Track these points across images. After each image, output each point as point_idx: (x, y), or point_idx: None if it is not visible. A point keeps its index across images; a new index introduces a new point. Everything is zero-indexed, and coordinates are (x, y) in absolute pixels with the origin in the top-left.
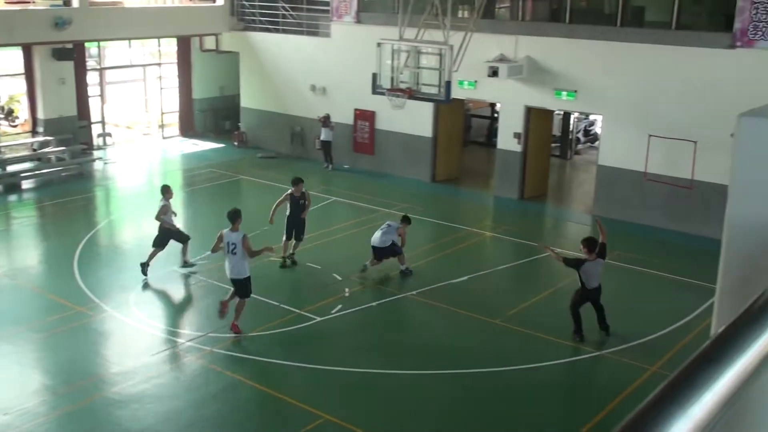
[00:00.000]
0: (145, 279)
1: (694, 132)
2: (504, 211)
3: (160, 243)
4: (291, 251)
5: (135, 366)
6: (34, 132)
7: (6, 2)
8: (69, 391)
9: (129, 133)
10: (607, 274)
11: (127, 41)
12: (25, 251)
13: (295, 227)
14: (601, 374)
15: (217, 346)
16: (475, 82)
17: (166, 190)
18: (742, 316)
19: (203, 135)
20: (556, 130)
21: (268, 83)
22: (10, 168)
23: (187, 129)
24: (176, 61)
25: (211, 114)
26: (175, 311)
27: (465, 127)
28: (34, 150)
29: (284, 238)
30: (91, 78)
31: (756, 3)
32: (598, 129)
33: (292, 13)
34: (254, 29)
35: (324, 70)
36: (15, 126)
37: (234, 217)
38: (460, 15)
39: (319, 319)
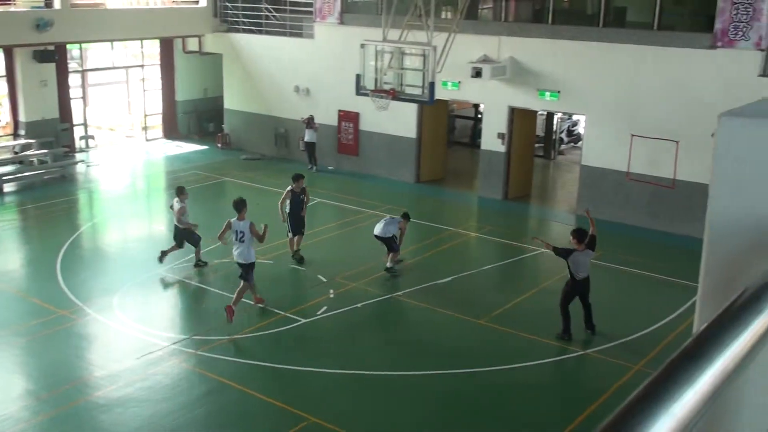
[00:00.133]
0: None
1: (676, 132)
2: (488, 212)
3: (179, 243)
4: (296, 247)
5: (119, 369)
6: (15, 135)
7: None
8: (52, 396)
9: (112, 136)
10: (591, 274)
11: (109, 43)
12: (7, 255)
13: (297, 222)
14: (586, 373)
15: (202, 348)
16: (459, 82)
17: (182, 191)
18: (722, 314)
19: (187, 137)
20: (540, 131)
21: (252, 85)
22: None
23: (171, 131)
24: (159, 62)
25: (195, 116)
26: (159, 314)
27: (449, 128)
28: (16, 153)
29: (290, 235)
30: (73, 80)
31: (736, 3)
32: (581, 129)
33: (275, 14)
34: (237, 30)
35: (308, 72)
36: None
37: (240, 206)
38: (443, 16)
39: (304, 320)
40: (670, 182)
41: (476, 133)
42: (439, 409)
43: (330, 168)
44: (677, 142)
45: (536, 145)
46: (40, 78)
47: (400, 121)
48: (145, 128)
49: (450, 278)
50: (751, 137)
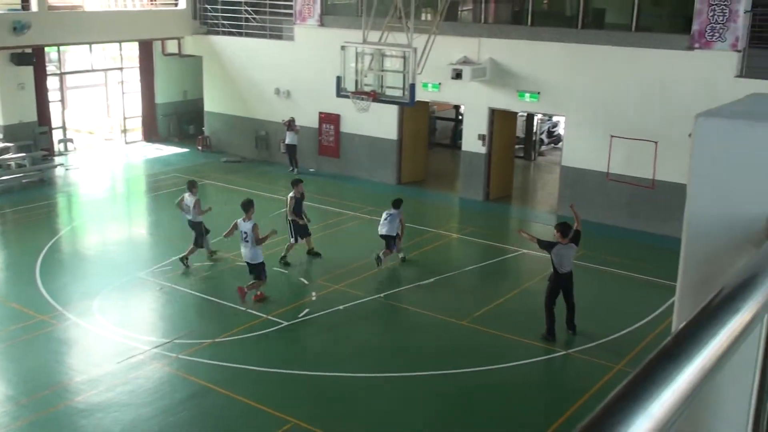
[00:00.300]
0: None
1: (654, 132)
2: (469, 213)
3: (200, 239)
4: (310, 246)
5: (99, 374)
6: None
7: None
8: (32, 401)
9: (91, 139)
10: (574, 276)
11: (87, 45)
12: None
13: (302, 227)
14: (568, 373)
15: (184, 352)
16: (439, 84)
17: (193, 185)
18: (700, 313)
19: (167, 140)
20: (520, 132)
21: (232, 87)
22: None
23: (151, 134)
24: (138, 65)
25: (175, 118)
26: (140, 318)
27: (430, 130)
28: None
29: (292, 240)
30: (52, 83)
31: (713, 5)
32: (561, 130)
33: (255, 16)
34: (217, 33)
35: (288, 74)
36: None
37: (247, 207)
38: (423, 18)
39: (286, 323)
40: (649, 182)
41: (457, 134)
42: (422, 410)
43: (311, 170)
44: (656, 142)
45: (517, 146)
46: (17, 81)
47: (381, 122)
48: (124, 131)
49: (432, 279)
50: (727, 137)
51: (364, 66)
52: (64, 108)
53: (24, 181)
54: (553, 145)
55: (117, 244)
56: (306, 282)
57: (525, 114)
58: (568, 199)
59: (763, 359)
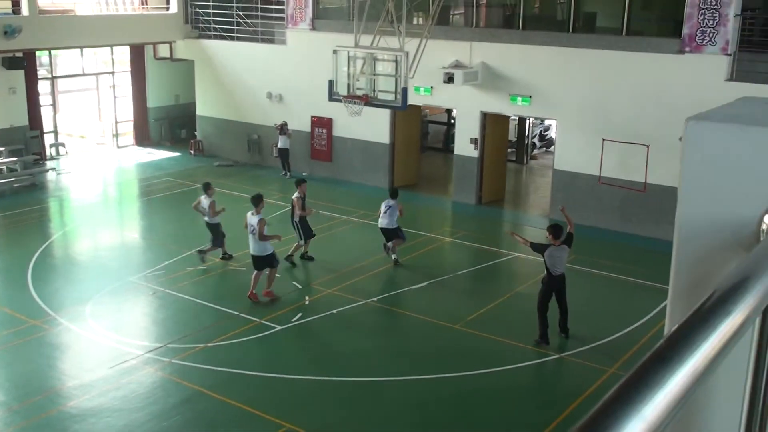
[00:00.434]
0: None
1: (646, 136)
2: (462, 216)
3: (218, 238)
4: (305, 250)
5: (92, 379)
6: None
7: None
8: (24, 407)
9: (82, 143)
10: (567, 278)
11: (79, 49)
12: None
13: (308, 227)
14: (561, 376)
15: (177, 357)
16: (431, 88)
17: (208, 187)
18: (691, 317)
19: (159, 144)
20: (512, 136)
21: (224, 91)
22: None
23: (142, 138)
24: (130, 69)
25: (167, 122)
26: (133, 322)
27: (422, 133)
28: None
29: (301, 242)
30: (43, 87)
31: (703, 9)
32: (553, 134)
33: (246, 20)
34: (209, 37)
35: (280, 78)
36: None
37: (257, 201)
38: (415, 22)
39: (279, 327)
40: (641, 186)
41: (449, 138)
42: (415, 414)
43: (303, 174)
44: (647, 146)
45: (509, 149)
46: (8, 85)
47: (374, 126)
48: (116, 135)
49: (425, 283)
50: (717, 141)
51: (356, 70)
52: (55, 112)
53: (15, 185)
54: (545, 148)
55: (109, 249)
56: (299, 286)
57: (517, 118)
58: (560, 202)
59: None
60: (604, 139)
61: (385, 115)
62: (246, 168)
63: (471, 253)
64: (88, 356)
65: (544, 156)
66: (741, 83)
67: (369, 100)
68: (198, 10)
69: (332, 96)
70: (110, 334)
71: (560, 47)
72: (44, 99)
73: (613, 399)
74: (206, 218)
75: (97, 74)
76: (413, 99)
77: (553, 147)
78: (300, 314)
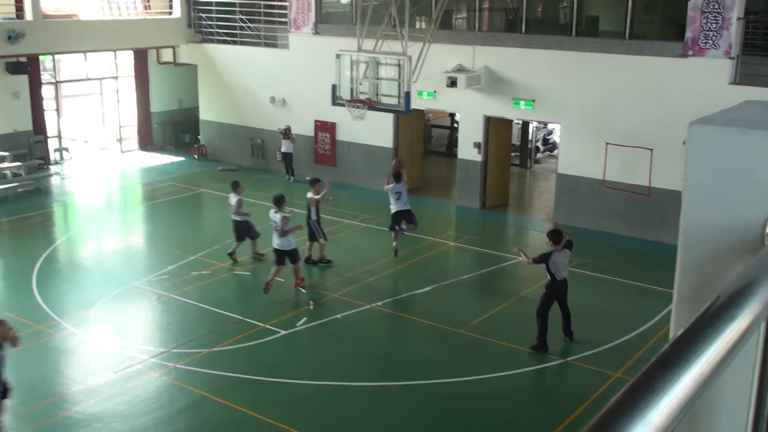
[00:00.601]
0: (233, 264)
1: (650, 139)
2: (466, 221)
3: (239, 237)
4: (309, 254)
5: (97, 384)
6: None
7: None
8: (29, 412)
9: (86, 148)
10: (569, 282)
11: (82, 54)
12: None
13: (322, 229)
14: (565, 382)
15: (181, 361)
16: (434, 92)
17: (237, 185)
18: (696, 321)
19: (162, 148)
20: (516, 140)
21: (228, 95)
22: None
23: (146, 142)
24: (133, 74)
25: (170, 127)
26: (138, 327)
27: (425, 137)
28: None
29: (322, 240)
30: (47, 92)
31: (705, 12)
32: (556, 138)
33: (249, 24)
34: (212, 41)
35: (283, 82)
36: None
37: (279, 201)
38: (417, 26)
39: (283, 332)
40: (645, 190)
41: (452, 142)
42: (421, 419)
43: (307, 178)
44: (651, 149)
45: (512, 153)
46: (12, 90)
47: (377, 130)
48: (119, 140)
49: (429, 288)
50: (721, 145)
51: (360, 74)
52: (59, 117)
53: (20, 190)
54: (548, 152)
55: (114, 254)
56: (303, 291)
57: (520, 122)
58: (564, 206)
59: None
60: (607, 143)
61: (388, 119)
62: (250, 172)
63: (475, 258)
64: (93, 361)
65: (548, 160)
66: (744, 87)
67: (372, 105)
68: (201, 14)
69: (335, 100)
70: (115, 338)
71: (563, 51)
72: (48, 104)
73: (619, 404)
74: (233, 216)
75: (100, 79)
76: (416, 103)
77: (556, 151)
78: (304, 319)
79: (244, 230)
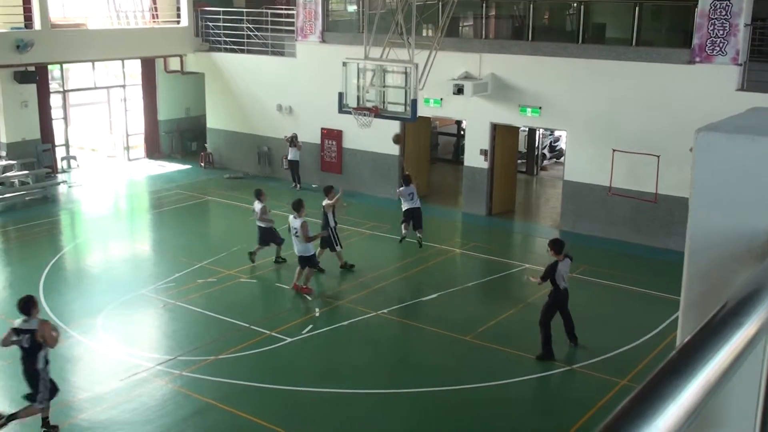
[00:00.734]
0: (253, 264)
1: (656, 146)
2: (472, 228)
3: (263, 242)
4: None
5: (103, 392)
6: None
7: None
8: (36, 420)
9: (94, 156)
10: (575, 288)
11: (90, 63)
12: None
13: (337, 236)
14: (572, 389)
15: (187, 369)
16: (441, 99)
17: (260, 193)
18: (703, 328)
19: (169, 156)
20: (522, 147)
21: (235, 104)
22: None
23: (153, 151)
24: (141, 82)
25: (177, 135)
26: (144, 335)
27: (432, 145)
28: None
29: (339, 248)
30: (55, 100)
31: (713, 19)
32: (563, 145)
33: (257, 33)
34: (219, 50)
35: (290, 90)
36: None
37: (297, 206)
38: (424, 34)
39: (289, 339)
40: (652, 196)
41: (459, 149)
42: (427, 426)
43: (314, 186)
44: (658, 156)
45: (519, 161)
46: (20, 99)
47: (384, 138)
48: (127, 148)
49: (435, 295)
50: (728, 151)
51: (366, 82)
52: (67, 125)
53: (27, 198)
54: (555, 159)
55: (120, 261)
56: (309, 298)
57: (527, 129)
58: (570, 213)
59: None
60: (614, 150)
61: (394, 126)
62: (256, 180)
63: (481, 265)
64: (100, 369)
65: (555, 167)
66: (752, 93)
67: (379, 112)
68: (208, 23)
69: (342, 108)
70: (121, 346)
71: (570, 58)
72: (56, 112)
73: (626, 410)
74: (258, 222)
75: (108, 87)
76: (423, 111)
77: (563, 158)
78: (310, 326)
79: (269, 236)
